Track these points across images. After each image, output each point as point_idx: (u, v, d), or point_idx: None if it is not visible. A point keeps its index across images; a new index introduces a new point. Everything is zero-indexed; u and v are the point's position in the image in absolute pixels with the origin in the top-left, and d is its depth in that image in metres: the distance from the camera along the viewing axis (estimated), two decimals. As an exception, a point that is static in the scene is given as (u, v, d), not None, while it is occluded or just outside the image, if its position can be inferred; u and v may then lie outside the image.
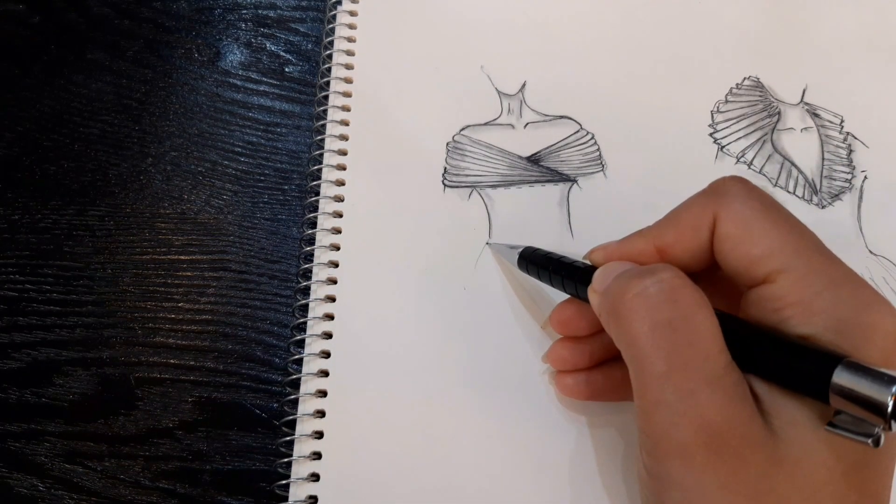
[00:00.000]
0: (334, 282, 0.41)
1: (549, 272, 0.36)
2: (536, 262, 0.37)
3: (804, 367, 0.25)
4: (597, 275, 0.32)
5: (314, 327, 0.40)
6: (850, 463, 0.25)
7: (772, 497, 0.25)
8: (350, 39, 0.49)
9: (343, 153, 0.45)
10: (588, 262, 0.34)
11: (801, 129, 0.46)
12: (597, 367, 0.36)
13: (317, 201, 0.43)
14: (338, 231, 0.42)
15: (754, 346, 0.27)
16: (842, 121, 0.46)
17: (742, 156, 0.45)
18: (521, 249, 0.38)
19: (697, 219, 0.30)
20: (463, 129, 0.46)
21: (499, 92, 0.47)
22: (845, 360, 0.24)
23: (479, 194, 0.44)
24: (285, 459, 0.37)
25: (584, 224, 0.43)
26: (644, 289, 0.28)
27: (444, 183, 0.44)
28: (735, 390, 0.26)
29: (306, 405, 0.38)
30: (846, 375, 0.24)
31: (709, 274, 0.31)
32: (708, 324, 0.27)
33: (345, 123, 0.46)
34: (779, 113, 0.46)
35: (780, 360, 0.26)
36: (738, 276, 0.29)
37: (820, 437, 0.25)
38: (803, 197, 0.44)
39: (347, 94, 0.47)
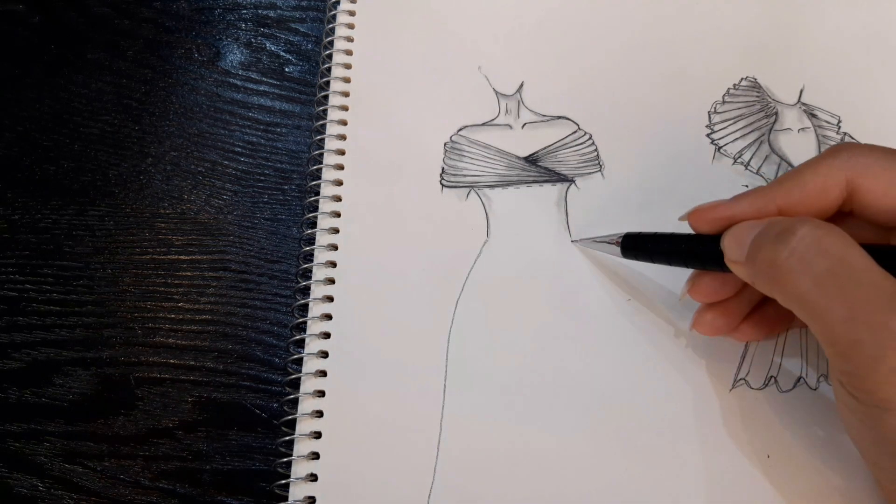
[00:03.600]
0: (333, 282, 0.41)
1: (664, 253, 0.36)
2: (645, 246, 0.37)
3: None
4: (728, 243, 0.33)
5: (313, 327, 0.40)
6: None
7: None
8: (349, 39, 0.49)
9: (342, 153, 0.45)
10: (689, 224, 0.35)
11: (799, 130, 0.46)
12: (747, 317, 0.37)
13: (316, 201, 0.43)
14: (336, 231, 0.42)
15: None
16: (839, 121, 0.46)
17: (739, 156, 0.45)
18: (619, 237, 0.38)
19: (827, 180, 0.32)
20: (461, 129, 0.46)
21: (496, 92, 0.47)
22: None
23: (477, 194, 0.44)
24: (285, 459, 0.37)
25: (582, 224, 0.43)
26: (793, 249, 0.29)
27: (442, 183, 0.44)
28: None
29: (305, 405, 0.38)
30: None
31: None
32: (863, 258, 0.28)
33: (343, 123, 0.46)
34: (776, 113, 0.46)
35: None
36: (882, 218, 0.32)
37: None
38: (800, 197, 0.44)
39: (346, 94, 0.47)
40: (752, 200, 0.33)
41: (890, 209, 0.31)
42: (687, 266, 0.36)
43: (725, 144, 0.45)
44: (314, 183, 0.44)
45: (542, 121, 0.46)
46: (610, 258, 0.41)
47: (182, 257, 0.43)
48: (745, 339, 0.38)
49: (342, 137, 0.45)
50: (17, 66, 0.49)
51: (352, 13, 0.50)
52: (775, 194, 0.33)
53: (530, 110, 0.46)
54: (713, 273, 0.36)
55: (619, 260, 0.41)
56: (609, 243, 0.39)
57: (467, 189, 0.44)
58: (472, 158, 0.45)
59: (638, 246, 0.38)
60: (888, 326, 0.27)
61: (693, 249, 0.35)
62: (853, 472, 0.36)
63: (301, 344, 0.40)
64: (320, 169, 0.44)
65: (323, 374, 0.39)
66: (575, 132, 0.46)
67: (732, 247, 0.32)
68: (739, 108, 0.46)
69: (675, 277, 0.40)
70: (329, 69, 0.48)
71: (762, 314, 0.37)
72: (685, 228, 0.36)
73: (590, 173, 0.44)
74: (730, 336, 0.38)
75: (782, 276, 0.29)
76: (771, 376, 0.38)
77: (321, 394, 0.38)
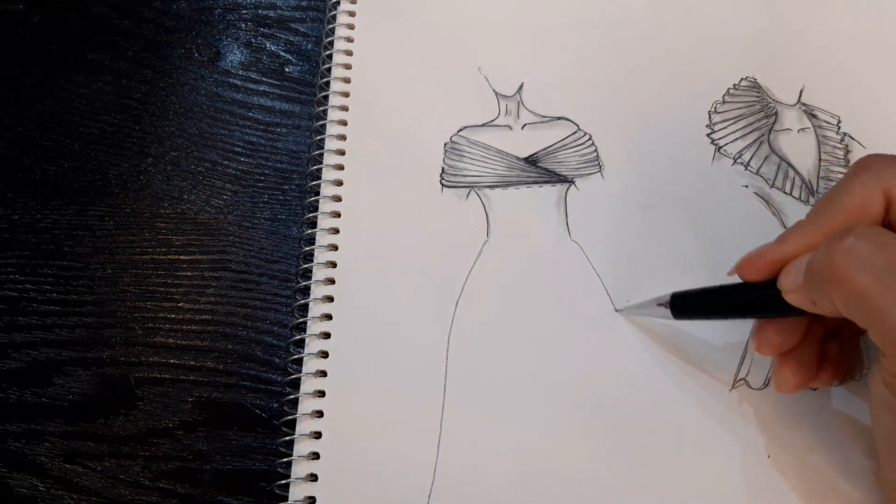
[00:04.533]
0: (333, 282, 0.41)
1: (719, 309, 0.35)
2: (698, 304, 0.36)
3: None
4: (785, 278, 0.31)
5: (313, 327, 0.40)
6: None
7: None
8: (349, 39, 0.49)
9: (342, 153, 0.45)
10: (739, 277, 0.34)
11: (798, 130, 0.46)
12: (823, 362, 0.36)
13: (316, 201, 0.43)
14: (336, 231, 0.42)
15: None
16: (839, 121, 0.46)
17: (739, 156, 0.45)
18: (667, 299, 0.37)
19: (865, 198, 0.31)
20: (461, 129, 0.46)
21: (496, 93, 0.47)
22: None
23: (477, 195, 0.44)
24: (285, 459, 0.37)
25: (582, 225, 0.43)
26: (849, 247, 0.28)
27: (441, 183, 0.44)
28: None
29: (305, 405, 0.38)
30: None
31: None
32: None
33: (343, 123, 0.46)
34: (776, 113, 0.46)
35: None
36: None
37: None
38: (800, 198, 0.44)
39: (346, 94, 0.47)
40: (798, 236, 0.32)
41: None
42: (746, 317, 0.35)
43: (725, 144, 0.45)
44: (314, 183, 0.44)
45: (541, 121, 0.46)
46: (609, 259, 0.41)
47: (182, 257, 0.43)
48: (827, 384, 0.36)
49: (342, 137, 0.45)
50: (17, 66, 0.49)
51: (352, 13, 0.50)
52: (819, 224, 0.32)
53: (530, 111, 0.46)
54: (776, 322, 0.34)
55: (618, 260, 0.41)
56: (658, 305, 0.37)
57: (467, 189, 0.44)
58: (472, 159, 0.45)
59: (690, 305, 0.36)
60: None
61: (750, 299, 0.34)
62: (853, 472, 0.36)
63: (301, 344, 0.40)
64: (320, 169, 0.44)
65: (323, 374, 0.39)
66: (575, 133, 0.46)
67: (789, 278, 0.31)
68: (739, 109, 0.47)
69: (674, 278, 0.40)
70: (329, 69, 0.48)
71: (836, 354, 0.35)
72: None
73: (589, 174, 0.44)
74: (814, 385, 0.36)
75: (840, 274, 0.28)
76: (771, 377, 0.38)
77: (321, 394, 0.38)
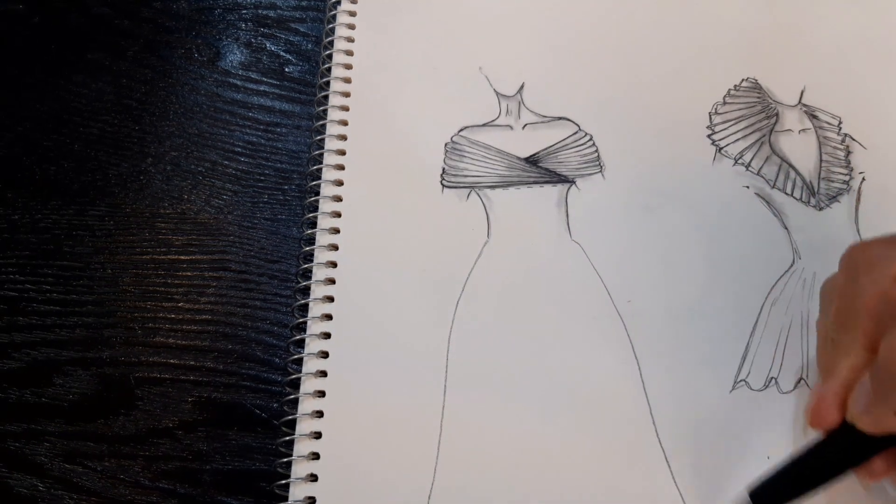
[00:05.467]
0: (333, 282, 0.41)
1: (804, 483, 0.32)
2: (778, 492, 0.32)
3: None
4: (854, 405, 0.30)
5: (313, 327, 0.40)
6: None
7: None
8: (349, 39, 0.49)
9: (342, 153, 0.45)
10: (812, 427, 0.32)
11: (799, 131, 0.46)
12: None
13: (316, 201, 0.43)
14: (337, 231, 0.42)
15: None
16: (840, 122, 0.46)
17: (740, 157, 0.45)
18: (745, 500, 0.33)
19: (878, 286, 0.29)
20: (461, 129, 0.46)
21: (497, 93, 0.47)
22: None
23: (478, 195, 0.44)
24: (285, 459, 0.37)
25: (583, 225, 0.43)
26: None
27: (442, 183, 0.44)
28: None
29: (305, 405, 0.38)
30: None
31: None
32: None
33: (344, 123, 0.46)
34: (777, 114, 0.46)
35: None
36: None
37: None
38: (801, 199, 0.44)
39: (346, 94, 0.47)
40: (841, 361, 0.31)
41: None
42: (838, 479, 0.31)
43: (726, 145, 0.45)
44: (314, 183, 0.44)
45: (542, 122, 0.46)
46: (609, 259, 0.41)
47: (182, 257, 0.43)
48: None
49: (342, 137, 0.45)
50: (17, 66, 0.49)
51: (352, 13, 0.50)
52: (851, 337, 0.30)
53: (531, 111, 0.46)
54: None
55: (619, 261, 0.41)
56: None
57: (468, 190, 0.44)
58: (473, 159, 0.45)
59: (771, 496, 0.33)
60: None
61: (830, 457, 0.31)
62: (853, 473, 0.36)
63: (301, 344, 0.40)
64: (320, 169, 0.44)
65: (323, 374, 0.39)
66: (575, 133, 0.46)
67: (858, 402, 0.30)
68: (740, 109, 0.47)
69: (675, 278, 0.40)
70: (329, 69, 0.48)
71: None
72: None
73: (590, 174, 0.44)
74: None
75: None
76: (771, 377, 0.38)
77: (321, 394, 0.38)
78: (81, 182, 0.45)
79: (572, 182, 0.44)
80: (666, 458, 0.37)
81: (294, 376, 0.39)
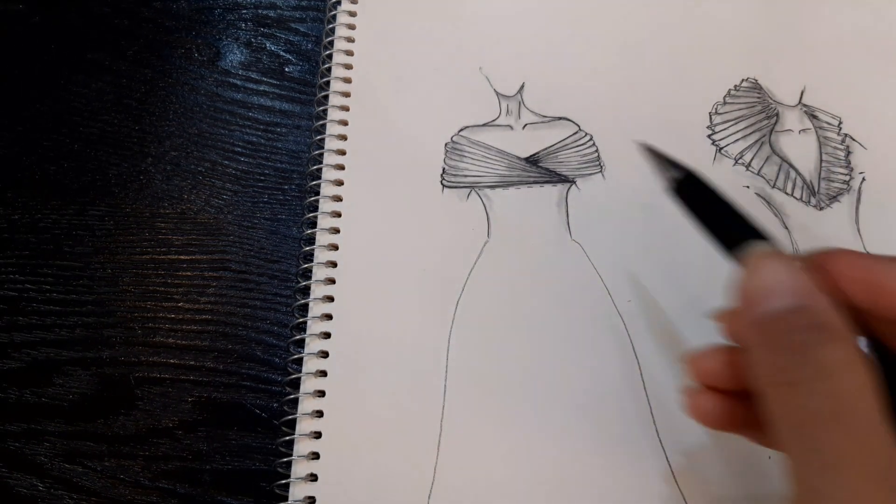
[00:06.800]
0: (333, 282, 0.41)
1: (708, 217, 0.31)
2: (698, 199, 0.32)
3: None
4: (750, 276, 0.27)
5: (313, 327, 0.40)
6: None
7: None
8: (349, 39, 0.49)
9: (342, 153, 0.45)
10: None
11: (800, 131, 0.46)
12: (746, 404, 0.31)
13: (316, 201, 0.43)
14: (336, 231, 0.42)
15: None
16: (840, 122, 0.46)
17: (740, 157, 0.45)
18: (681, 175, 0.33)
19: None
20: (461, 129, 0.46)
21: (497, 93, 0.47)
22: None
23: (478, 195, 0.44)
24: (285, 459, 0.37)
25: (583, 225, 0.43)
26: (797, 377, 0.24)
27: (442, 183, 0.44)
28: None
29: (305, 405, 0.38)
30: None
31: None
32: (873, 413, 0.23)
33: (343, 123, 0.46)
34: (777, 114, 0.46)
35: None
36: None
37: None
38: (801, 199, 0.44)
39: (346, 95, 0.47)
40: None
41: None
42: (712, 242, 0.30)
43: (726, 145, 0.45)
44: (314, 183, 0.44)
45: (542, 122, 0.46)
46: (609, 259, 0.41)
47: (182, 257, 0.43)
48: (723, 428, 0.31)
49: (342, 137, 0.45)
50: (17, 66, 0.49)
51: (352, 13, 0.50)
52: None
53: (531, 111, 0.46)
54: (724, 354, 0.30)
55: (620, 261, 0.41)
56: (669, 173, 0.33)
57: (468, 189, 0.44)
58: (473, 159, 0.45)
59: (692, 195, 0.32)
60: (859, 495, 0.23)
61: (730, 233, 0.29)
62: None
63: (301, 344, 0.40)
64: (320, 169, 0.44)
65: (323, 374, 0.39)
66: (576, 133, 0.46)
67: (747, 286, 0.27)
68: (740, 110, 0.47)
69: (675, 279, 0.40)
70: (329, 69, 0.48)
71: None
72: None
73: (590, 174, 0.44)
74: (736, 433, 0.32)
75: (774, 395, 0.25)
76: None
77: (321, 394, 0.38)
78: (81, 182, 0.45)
79: (572, 182, 0.44)
80: (667, 458, 0.37)
81: (294, 376, 0.39)
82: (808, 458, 0.24)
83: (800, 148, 0.45)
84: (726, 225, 0.30)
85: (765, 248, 0.27)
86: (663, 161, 0.34)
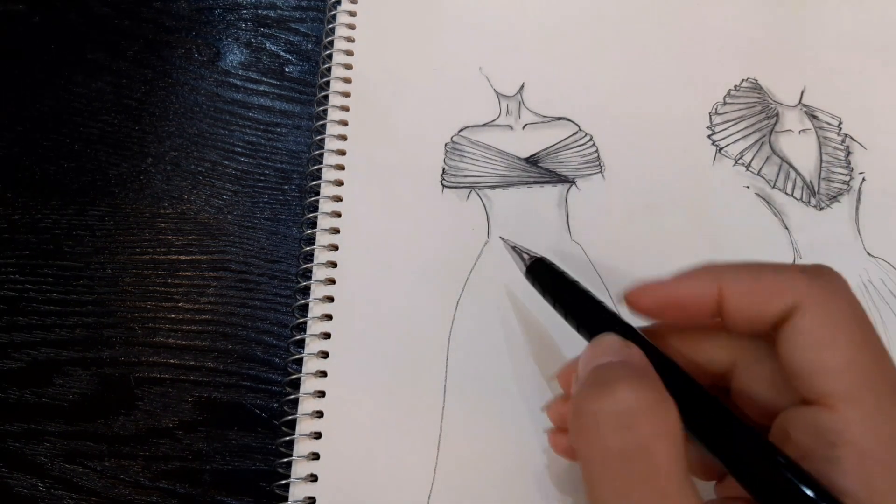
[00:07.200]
0: (333, 282, 0.41)
1: (555, 298, 0.34)
2: (544, 281, 0.35)
3: None
4: (587, 349, 0.29)
5: (313, 327, 0.40)
6: None
7: None
8: (349, 39, 0.49)
9: (342, 153, 0.45)
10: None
11: (800, 131, 0.46)
12: None
13: (316, 201, 0.43)
14: (336, 231, 0.42)
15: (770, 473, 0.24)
16: (840, 122, 0.46)
17: (740, 157, 0.45)
18: (530, 261, 0.36)
19: (783, 285, 0.26)
20: (461, 129, 0.46)
21: (497, 93, 0.47)
22: None
23: (478, 195, 0.44)
24: (285, 459, 0.37)
25: (583, 225, 0.43)
26: (599, 409, 0.25)
27: (442, 183, 0.44)
28: None
29: (305, 405, 0.38)
30: None
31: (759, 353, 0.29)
32: (667, 456, 0.24)
33: (343, 123, 0.46)
34: (777, 115, 0.46)
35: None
36: (793, 377, 0.26)
37: None
38: (801, 199, 0.44)
39: (346, 95, 0.47)
40: (695, 279, 0.29)
41: (810, 363, 0.25)
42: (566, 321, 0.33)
43: (726, 146, 0.45)
44: (314, 183, 0.44)
45: (542, 122, 0.46)
46: (609, 259, 0.41)
47: (182, 257, 0.43)
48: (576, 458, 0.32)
49: (342, 137, 0.45)
50: (17, 67, 0.49)
51: (352, 13, 0.50)
52: (724, 274, 0.28)
53: (531, 111, 0.46)
54: (563, 399, 0.33)
55: (620, 261, 0.41)
56: (523, 261, 0.36)
57: (468, 190, 0.44)
58: (473, 159, 0.45)
59: (539, 278, 0.35)
60: None
61: (578, 316, 0.32)
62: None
63: (301, 344, 0.40)
64: (320, 169, 0.44)
65: (323, 374, 0.39)
66: (576, 133, 0.46)
67: (585, 357, 0.29)
68: (740, 110, 0.47)
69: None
70: (329, 69, 0.48)
71: None
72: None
73: (590, 174, 0.44)
74: (562, 455, 0.34)
75: (578, 429, 0.26)
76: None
77: (321, 394, 0.38)
78: (81, 182, 0.45)
79: (572, 182, 0.44)
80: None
81: (294, 376, 0.39)
82: (602, 497, 0.25)
83: (800, 148, 0.45)
84: (579, 305, 0.33)
85: (610, 337, 0.29)
86: (518, 251, 0.37)
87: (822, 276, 0.27)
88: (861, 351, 0.25)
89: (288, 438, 0.37)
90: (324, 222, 0.43)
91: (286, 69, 0.50)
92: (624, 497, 0.24)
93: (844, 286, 0.26)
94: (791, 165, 0.45)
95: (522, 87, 0.47)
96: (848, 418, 0.24)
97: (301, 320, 0.40)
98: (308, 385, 0.39)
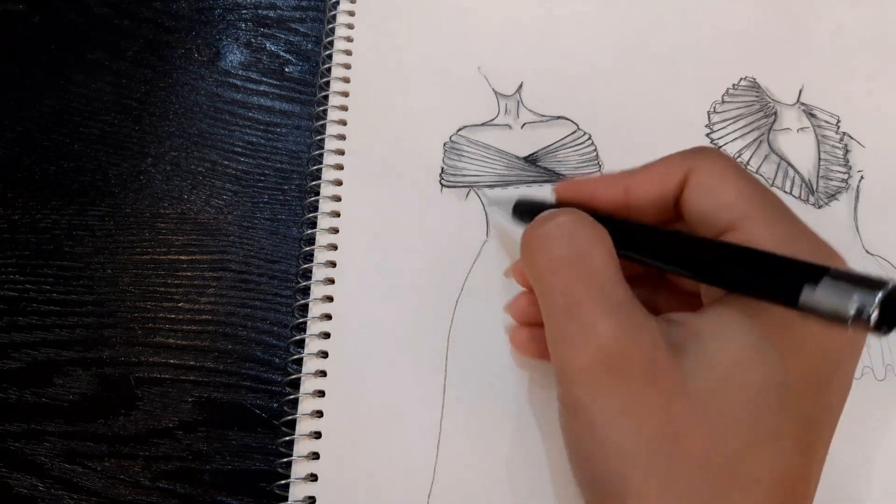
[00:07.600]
0: (333, 282, 0.41)
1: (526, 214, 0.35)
2: (523, 209, 0.37)
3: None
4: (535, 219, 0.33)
5: (313, 327, 0.40)
6: (762, 404, 0.27)
7: (671, 426, 0.26)
8: (349, 39, 0.49)
9: (342, 153, 0.45)
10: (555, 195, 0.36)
11: (798, 130, 0.46)
12: None
13: (316, 201, 0.43)
14: (336, 231, 0.42)
15: (711, 256, 0.29)
16: (838, 121, 0.46)
17: (739, 156, 0.45)
18: (515, 202, 0.38)
19: (670, 169, 0.32)
20: (460, 129, 0.46)
21: (496, 92, 0.47)
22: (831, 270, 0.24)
23: (477, 194, 0.44)
24: (285, 459, 0.37)
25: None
26: (545, 230, 0.31)
27: (441, 183, 0.44)
28: (633, 320, 0.28)
29: (305, 405, 0.38)
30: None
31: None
32: (603, 259, 0.29)
33: (343, 123, 0.46)
34: (775, 113, 0.46)
35: (749, 269, 0.27)
36: (704, 223, 0.31)
37: (730, 379, 0.27)
38: (800, 197, 0.44)
39: (346, 94, 0.47)
40: (603, 180, 0.34)
41: (710, 206, 0.30)
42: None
43: (725, 144, 0.45)
44: (314, 183, 0.44)
45: (541, 121, 0.46)
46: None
47: (182, 257, 0.43)
48: (534, 354, 0.37)
49: (342, 137, 0.45)
50: (17, 66, 0.49)
51: (352, 13, 0.50)
52: (624, 175, 0.33)
53: (530, 110, 0.46)
54: (523, 294, 0.37)
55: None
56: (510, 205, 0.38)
57: (467, 189, 0.44)
58: (472, 158, 0.45)
59: (522, 210, 0.37)
60: (593, 325, 0.28)
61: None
62: (851, 472, 0.36)
63: (301, 344, 0.40)
64: (320, 169, 0.44)
65: (323, 374, 0.39)
66: (574, 132, 0.46)
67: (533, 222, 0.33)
68: (739, 108, 0.47)
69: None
70: (329, 69, 0.48)
71: None
72: None
73: (589, 173, 0.44)
74: (522, 352, 0.38)
75: (529, 250, 0.31)
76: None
77: (321, 394, 0.38)
78: (81, 182, 0.45)
79: (571, 181, 0.44)
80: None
81: (294, 376, 0.39)
82: (553, 301, 0.29)
83: (798, 146, 0.45)
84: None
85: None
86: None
87: (704, 149, 0.32)
88: (746, 185, 0.30)
89: (288, 438, 0.38)
90: (323, 222, 0.43)
91: (286, 69, 0.50)
92: (570, 295, 0.29)
93: (722, 152, 0.34)
94: (789, 164, 0.45)
95: (521, 86, 0.47)
96: (750, 232, 0.29)
97: (301, 320, 0.40)
98: (308, 385, 0.39)
